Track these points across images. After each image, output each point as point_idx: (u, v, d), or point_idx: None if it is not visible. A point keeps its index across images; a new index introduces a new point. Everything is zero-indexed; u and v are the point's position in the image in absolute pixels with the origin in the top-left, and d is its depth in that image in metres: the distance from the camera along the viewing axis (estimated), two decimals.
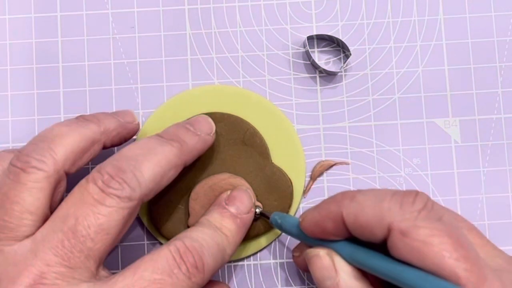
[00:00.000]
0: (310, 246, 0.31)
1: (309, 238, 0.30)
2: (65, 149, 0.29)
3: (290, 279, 0.36)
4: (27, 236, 0.27)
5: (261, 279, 0.36)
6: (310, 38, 0.37)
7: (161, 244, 0.36)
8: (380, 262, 0.27)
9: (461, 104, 0.37)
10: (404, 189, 0.36)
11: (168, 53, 0.37)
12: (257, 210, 0.34)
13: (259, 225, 0.35)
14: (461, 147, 0.37)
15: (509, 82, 0.37)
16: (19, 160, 0.28)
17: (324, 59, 0.38)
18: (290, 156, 0.36)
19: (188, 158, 0.31)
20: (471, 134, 0.37)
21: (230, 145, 0.35)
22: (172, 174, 0.30)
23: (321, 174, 0.37)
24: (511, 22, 0.38)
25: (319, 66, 0.37)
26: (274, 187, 0.35)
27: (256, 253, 0.36)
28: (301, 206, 0.36)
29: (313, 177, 0.37)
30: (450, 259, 0.24)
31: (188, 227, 0.34)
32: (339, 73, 0.37)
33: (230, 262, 0.36)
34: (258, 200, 0.35)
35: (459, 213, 0.36)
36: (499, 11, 0.38)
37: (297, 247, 0.34)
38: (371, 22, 0.38)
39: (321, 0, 0.38)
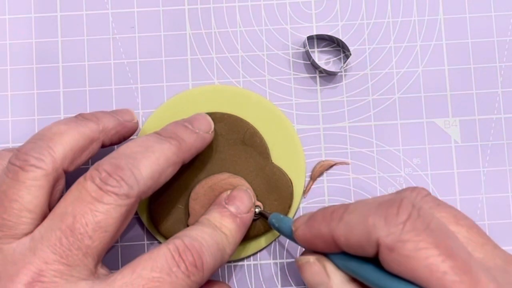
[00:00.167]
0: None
1: None
2: (63, 148, 0.29)
3: (290, 279, 0.36)
4: (26, 234, 0.27)
5: (261, 279, 0.36)
6: (310, 38, 0.37)
7: (161, 244, 0.36)
8: (374, 275, 0.26)
9: (461, 104, 0.37)
10: None
11: (168, 53, 0.37)
12: (257, 210, 0.34)
13: (259, 225, 0.35)
14: (461, 147, 0.37)
15: (509, 82, 0.37)
16: (18, 159, 0.28)
17: (324, 59, 0.38)
18: (290, 156, 0.36)
19: (187, 156, 0.31)
20: (471, 134, 0.37)
21: (230, 145, 0.35)
22: (170, 172, 0.30)
23: (321, 174, 0.37)
24: (511, 22, 0.38)
25: (319, 66, 0.37)
26: (274, 187, 0.35)
27: (256, 253, 0.36)
28: (301, 206, 0.36)
29: (313, 177, 0.37)
30: (437, 273, 0.24)
31: (188, 226, 0.34)
32: (339, 73, 0.37)
33: (230, 262, 0.36)
34: (258, 200, 0.35)
35: None
36: (499, 11, 0.38)
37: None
38: (371, 22, 0.38)
39: (321, 0, 0.38)
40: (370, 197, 0.36)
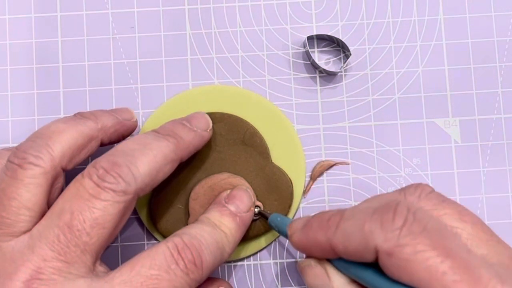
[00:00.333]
0: None
1: None
2: (62, 146, 0.29)
3: (290, 279, 0.36)
4: (25, 232, 0.28)
5: (261, 279, 0.36)
6: (310, 38, 0.37)
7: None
8: (375, 279, 0.26)
9: (461, 104, 0.37)
10: None
11: (168, 53, 0.37)
12: (256, 210, 0.34)
13: (259, 225, 0.35)
14: (461, 147, 0.37)
15: (509, 82, 0.37)
16: (16, 157, 0.28)
17: (324, 59, 0.38)
18: (290, 156, 0.36)
19: (184, 153, 0.32)
20: (471, 134, 0.37)
21: (230, 145, 0.35)
22: (168, 169, 0.30)
23: (321, 174, 0.37)
24: (511, 22, 0.38)
25: (319, 66, 0.37)
26: (274, 187, 0.35)
27: (256, 253, 0.36)
28: (301, 206, 0.36)
29: (313, 177, 0.37)
30: (437, 273, 0.24)
31: None
32: (339, 73, 0.37)
33: (230, 262, 0.36)
34: (258, 200, 0.35)
35: None
36: (499, 11, 0.38)
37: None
38: (371, 22, 0.38)
39: (321, 0, 0.38)
40: (370, 197, 0.36)
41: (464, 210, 0.28)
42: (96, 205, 0.27)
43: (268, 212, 0.34)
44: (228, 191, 0.34)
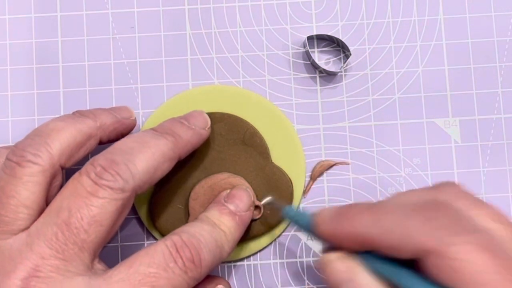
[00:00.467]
0: None
1: None
2: (60, 144, 0.29)
3: (290, 279, 0.36)
4: (23, 230, 0.28)
5: (261, 279, 0.36)
6: (310, 38, 0.37)
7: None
8: (408, 279, 0.26)
9: (461, 104, 0.37)
10: (404, 189, 0.36)
11: (168, 53, 0.37)
12: (268, 199, 0.34)
13: (259, 225, 0.35)
14: (461, 147, 0.37)
15: (509, 82, 0.37)
16: (15, 155, 0.28)
17: (324, 59, 0.38)
18: (290, 156, 0.36)
19: (183, 152, 0.32)
20: (471, 134, 0.37)
21: (230, 145, 0.35)
22: (166, 167, 0.30)
23: (321, 174, 0.37)
24: (511, 22, 0.38)
25: (319, 66, 0.37)
26: (274, 187, 0.35)
27: (256, 253, 0.36)
28: (301, 206, 0.36)
29: (313, 177, 0.37)
30: (488, 274, 0.23)
31: None
32: (339, 73, 0.37)
33: (230, 262, 0.36)
34: (258, 200, 0.35)
35: None
36: (499, 11, 0.38)
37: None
38: (371, 22, 0.38)
39: (321, 0, 0.38)
40: (370, 197, 0.36)
41: (498, 212, 0.27)
42: (93, 203, 0.27)
43: (279, 204, 0.34)
44: (228, 191, 0.34)
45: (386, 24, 0.38)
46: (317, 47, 0.38)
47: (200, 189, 0.34)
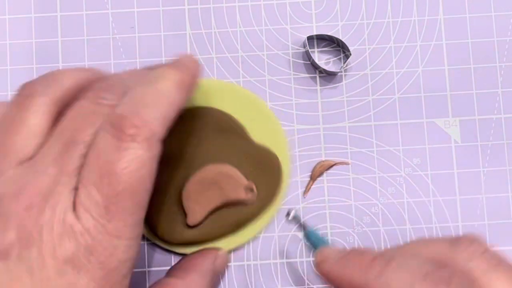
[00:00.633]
0: None
1: None
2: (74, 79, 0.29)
3: (290, 279, 0.36)
4: (30, 158, 0.27)
5: (261, 279, 0.36)
6: (310, 38, 0.37)
7: (159, 247, 0.36)
8: None
9: (461, 104, 0.37)
10: (404, 189, 0.36)
11: (168, 53, 0.37)
12: (292, 214, 0.34)
13: (254, 208, 0.35)
14: (461, 147, 0.37)
15: (509, 82, 0.37)
16: (24, 88, 0.28)
17: (324, 59, 0.38)
18: (269, 133, 0.36)
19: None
20: (471, 134, 0.37)
21: (209, 136, 0.35)
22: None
23: (321, 174, 0.37)
24: (511, 22, 0.38)
25: (319, 66, 0.37)
26: (261, 164, 0.35)
27: (254, 238, 0.36)
28: (301, 206, 0.36)
29: (313, 177, 0.37)
30: None
31: (188, 226, 0.34)
32: (339, 73, 0.37)
33: (229, 262, 0.36)
34: (248, 180, 0.34)
35: (459, 213, 0.36)
36: (499, 11, 0.38)
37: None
38: (371, 22, 0.38)
39: (321, 0, 0.38)
40: (370, 197, 0.36)
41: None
42: (95, 122, 0.27)
43: (305, 224, 0.34)
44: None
45: (386, 24, 0.38)
46: (317, 47, 0.38)
47: (191, 187, 0.34)
